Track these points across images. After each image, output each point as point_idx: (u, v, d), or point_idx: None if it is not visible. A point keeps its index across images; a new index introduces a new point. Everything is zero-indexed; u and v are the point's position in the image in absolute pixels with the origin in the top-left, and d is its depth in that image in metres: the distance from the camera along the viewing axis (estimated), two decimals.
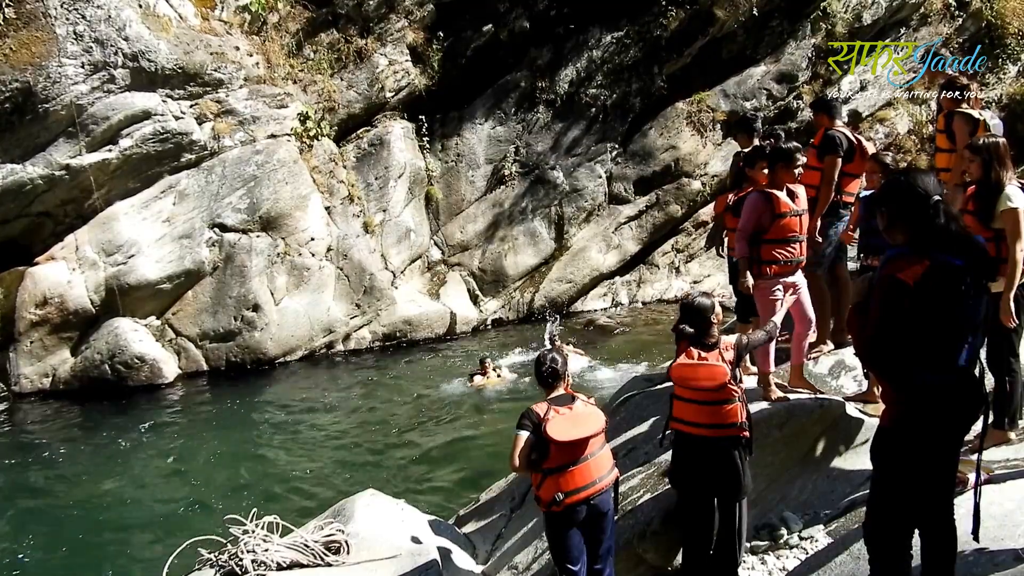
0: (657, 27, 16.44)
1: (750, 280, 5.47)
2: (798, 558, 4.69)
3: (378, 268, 14.79)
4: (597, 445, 4.40)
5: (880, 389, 3.38)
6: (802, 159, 5.51)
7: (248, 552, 4.72)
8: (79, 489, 9.30)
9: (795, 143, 5.74)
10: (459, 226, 16.19)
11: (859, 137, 6.48)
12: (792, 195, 5.48)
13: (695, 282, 17.56)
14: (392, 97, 15.57)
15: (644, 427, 5.96)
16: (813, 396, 5.46)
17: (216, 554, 4.81)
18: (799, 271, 5.58)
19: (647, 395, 6.51)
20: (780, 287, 5.46)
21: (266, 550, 4.76)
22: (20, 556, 7.73)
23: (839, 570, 3.82)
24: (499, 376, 12.39)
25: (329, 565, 4.88)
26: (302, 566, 4.81)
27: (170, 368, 12.80)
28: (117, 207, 12.86)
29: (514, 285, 16.42)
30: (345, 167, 15.07)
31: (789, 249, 5.42)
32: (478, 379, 12.28)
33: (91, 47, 12.05)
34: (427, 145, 15.93)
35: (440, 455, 9.88)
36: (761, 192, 5.48)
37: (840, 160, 6.21)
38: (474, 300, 16.13)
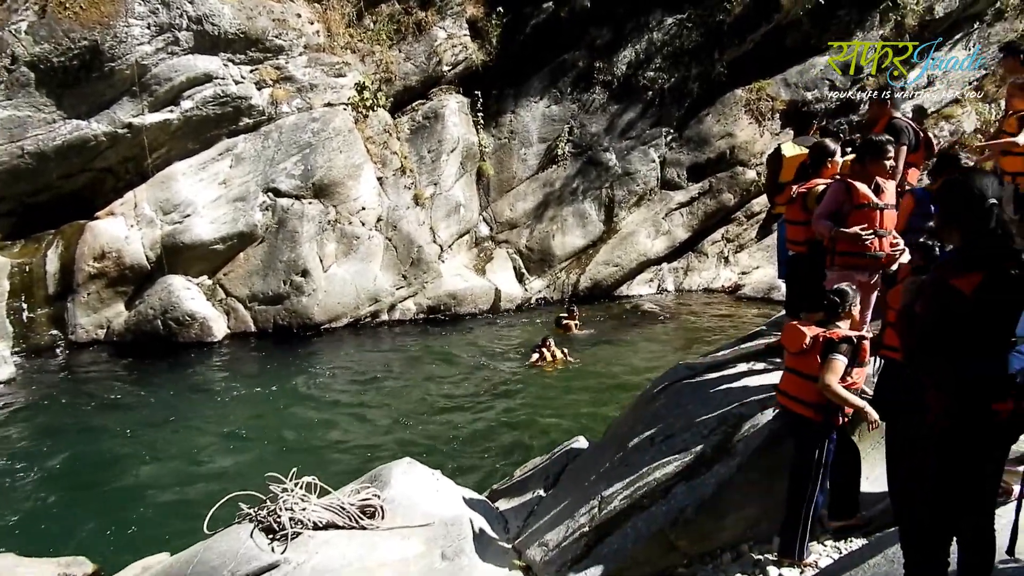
0: (720, 12, 16.16)
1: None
2: (831, 557, 4.66)
3: (426, 241, 14.89)
4: (792, 363, 4.69)
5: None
6: (892, 152, 5.36)
7: (286, 510, 4.83)
8: (125, 438, 9.57)
9: (886, 135, 5.57)
10: (509, 203, 16.19)
11: (923, 130, 6.32)
12: (878, 189, 5.34)
13: (743, 273, 17.36)
14: (449, 71, 15.57)
15: (683, 415, 5.93)
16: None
17: (255, 509, 4.93)
18: (878, 271, 5.43)
19: (688, 384, 6.48)
20: (853, 285, 5.34)
21: (303, 509, 4.87)
22: (67, 502, 7.98)
23: (872, 571, 3.77)
24: (560, 355, 12.18)
25: (363, 528, 4.98)
26: (337, 527, 4.92)
27: (219, 327, 13.09)
28: (176, 167, 13.16)
29: (560, 265, 16.40)
30: (399, 139, 15.15)
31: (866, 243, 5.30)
32: (536, 355, 12.11)
33: (157, 8, 12.27)
34: (481, 121, 15.92)
35: (479, 429, 9.93)
36: (843, 181, 5.36)
37: (906, 148, 6.05)
38: (519, 278, 16.16)
